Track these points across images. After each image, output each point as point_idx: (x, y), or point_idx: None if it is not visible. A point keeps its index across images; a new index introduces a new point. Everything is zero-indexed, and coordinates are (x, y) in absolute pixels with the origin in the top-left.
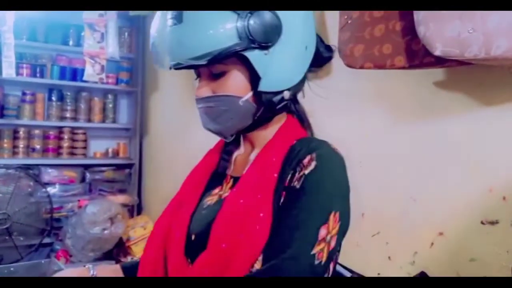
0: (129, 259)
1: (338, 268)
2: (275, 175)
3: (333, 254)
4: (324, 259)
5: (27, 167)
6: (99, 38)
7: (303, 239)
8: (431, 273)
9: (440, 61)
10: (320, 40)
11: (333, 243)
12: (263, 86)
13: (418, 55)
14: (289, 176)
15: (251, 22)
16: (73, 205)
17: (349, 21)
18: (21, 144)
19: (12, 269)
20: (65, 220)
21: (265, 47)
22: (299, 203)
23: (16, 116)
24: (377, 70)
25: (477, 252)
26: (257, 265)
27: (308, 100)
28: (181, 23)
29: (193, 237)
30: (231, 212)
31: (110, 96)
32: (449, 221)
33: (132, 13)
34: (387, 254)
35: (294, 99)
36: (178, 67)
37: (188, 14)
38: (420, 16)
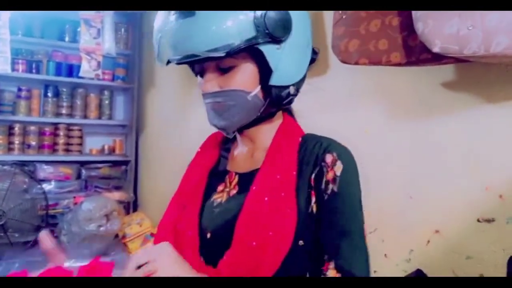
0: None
1: None
2: (294, 173)
3: None
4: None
5: (22, 164)
6: (95, 34)
7: (356, 246)
8: (427, 271)
9: (437, 58)
10: None
11: None
12: (274, 80)
13: (414, 52)
14: (313, 175)
15: (268, 16)
16: (69, 201)
17: (343, 16)
18: (17, 140)
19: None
20: (60, 216)
21: (279, 42)
22: (343, 207)
23: (12, 112)
24: (375, 67)
25: (473, 250)
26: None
27: (309, 98)
28: (193, 16)
29: (208, 235)
30: (257, 210)
31: (106, 93)
32: (445, 219)
33: None
34: (384, 251)
35: (295, 95)
36: (186, 60)
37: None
38: (419, 13)
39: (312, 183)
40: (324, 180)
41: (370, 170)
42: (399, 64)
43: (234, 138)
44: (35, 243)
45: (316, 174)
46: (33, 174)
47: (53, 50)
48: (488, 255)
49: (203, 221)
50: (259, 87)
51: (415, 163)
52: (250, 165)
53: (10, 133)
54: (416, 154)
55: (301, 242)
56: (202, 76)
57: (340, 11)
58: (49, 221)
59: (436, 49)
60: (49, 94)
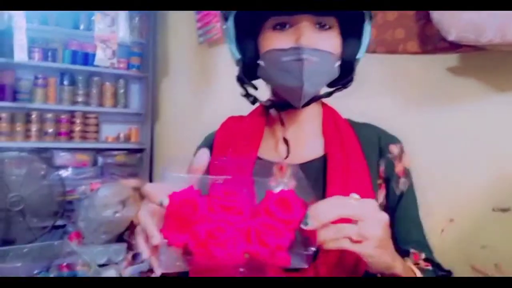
0: None
1: None
2: (365, 162)
3: None
4: None
5: (39, 150)
6: (109, 23)
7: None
8: (441, 260)
9: (454, 46)
10: None
11: None
12: (361, 53)
13: (431, 40)
14: (382, 166)
15: None
16: (86, 188)
17: None
18: (34, 127)
19: (25, 250)
20: (77, 202)
21: (370, 18)
22: (414, 199)
23: (29, 100)
24: (389, 55)
25: (487, 239)
26: None
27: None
28: None
29: None
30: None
31: (121, 81)
32: (460, 208)
33: None
34: None
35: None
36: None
37: None
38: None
39: (382, 174)
40: (394, 172)
41: None
42: (415, 53)
43: (263, 121)
44: (53, 227)
45: (386, 165)
46: (50, 161)
47: (69, 39)
48: (502, 244)
49: None
50: (340, 60)
51: (429, 152)
52: (300, 154)
53: (27, 120)
54: (430, 143)
55: None
56: (281, 28)
57: None
58: (66, 207)
59: (452, 38)
60: (65, 82)
